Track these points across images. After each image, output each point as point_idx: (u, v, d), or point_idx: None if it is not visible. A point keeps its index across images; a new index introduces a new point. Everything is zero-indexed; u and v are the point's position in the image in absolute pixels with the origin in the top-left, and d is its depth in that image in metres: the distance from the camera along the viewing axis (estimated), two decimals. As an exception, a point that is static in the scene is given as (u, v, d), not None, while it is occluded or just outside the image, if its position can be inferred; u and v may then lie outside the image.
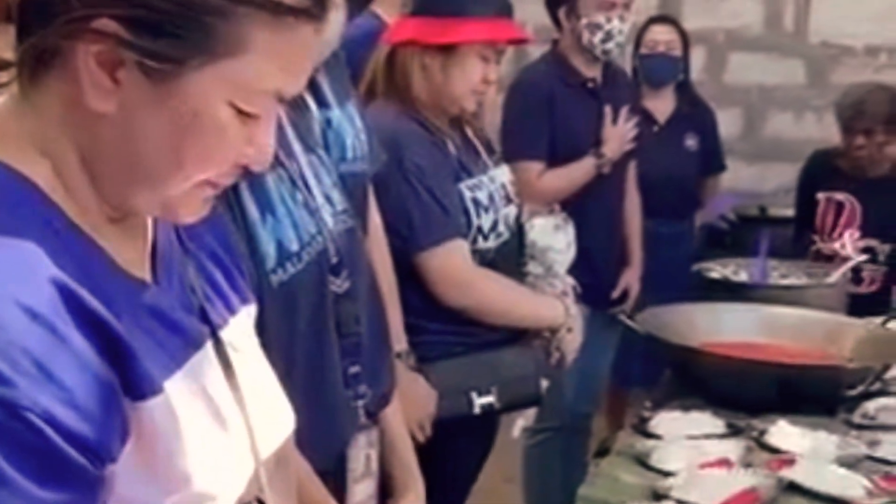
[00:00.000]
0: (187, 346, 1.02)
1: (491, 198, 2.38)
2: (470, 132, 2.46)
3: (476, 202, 2.35)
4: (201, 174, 0.96)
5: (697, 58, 4.47)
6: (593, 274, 3.26)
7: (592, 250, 3.26)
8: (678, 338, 2.32)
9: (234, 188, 1.39)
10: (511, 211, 2.44)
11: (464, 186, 2.34)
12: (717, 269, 3.06)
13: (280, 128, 1.54)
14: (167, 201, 0.98)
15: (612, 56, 3.37)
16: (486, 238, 2.36)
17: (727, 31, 4.70)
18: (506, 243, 2.41)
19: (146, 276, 1.02)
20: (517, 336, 2.42)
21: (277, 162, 1.48)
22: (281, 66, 0.95)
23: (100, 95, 0.92)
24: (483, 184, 2.39)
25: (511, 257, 2.45)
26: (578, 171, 3.30)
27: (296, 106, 1.65)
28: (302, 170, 1.54)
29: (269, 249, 1.42)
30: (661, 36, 3.95)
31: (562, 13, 3.35)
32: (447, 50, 2.30)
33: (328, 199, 1.58)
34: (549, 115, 3.30)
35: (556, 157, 3.30)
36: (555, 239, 2.51)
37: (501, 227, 2.39)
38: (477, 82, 2.33)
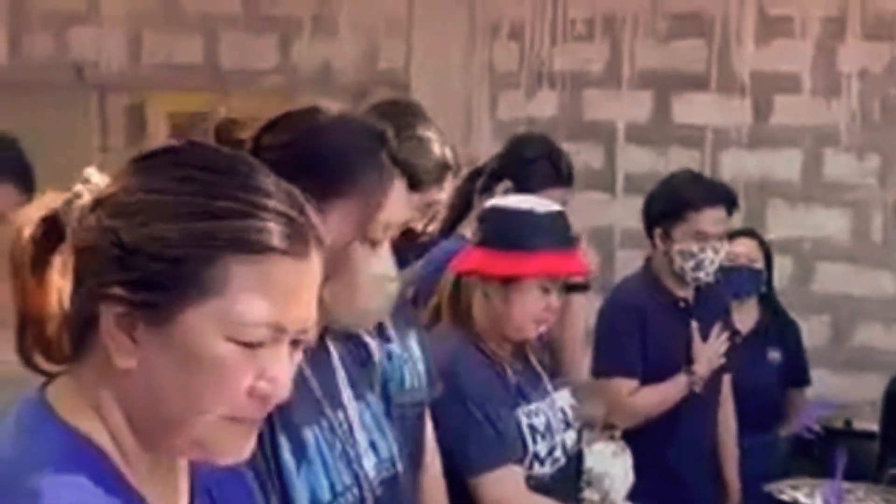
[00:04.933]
0: None
1: (548, 424, 2.44)
2: (533, 358, 2.54)
3: (533, 428, 2.41)
4: (217, 410, 1.06)
5: (784, 267, 4.50)
6: (685, 492, 3.25)
7: (682, 469, 3.25)
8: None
9: (273, 436, 1.48)
10: (569, 436, 2.49)
11: (521, 412, 2.41)
12: (788, 492, 3.04)
13: (332, 374, 1.65)
14: (199, 441, 1.08)
15: (701, 283, 3.38)
16: (542, 464, 2.41)
17: (814, 241, 4.73)
18: (562, 469, 2.45)
19: None
20: (570, 563, 2.44)
21: (320, 412, 1.57)
22: (270, 299, 1.06)
23: (123, 354, 1.06)
24: (541, 410, 2.45)
25: (568, 483, 2.49)
26: (671, 390, 3.28)
27: (352, 351, 1.75)
28: (348, 417, 1.62)
29: (303, 499, 1.50)
30: (742, 248, 4.00)
31: (657, 233, 3.38)
32: (509, 281, 2.41)
33: (373, 446, 1.64)
34: (641, 332, 3.32)
35: (648, 375, 3.30)
36: (612, 465, 2.55)
37: (558, 453, 2.44)
38: (538, 312, 2.42)
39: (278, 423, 1.46)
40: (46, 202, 1.12)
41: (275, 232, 1.06)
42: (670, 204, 3.37)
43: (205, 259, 1.05)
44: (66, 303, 1.10)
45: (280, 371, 1.08)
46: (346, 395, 1.66)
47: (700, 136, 4.78)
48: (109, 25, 5.30)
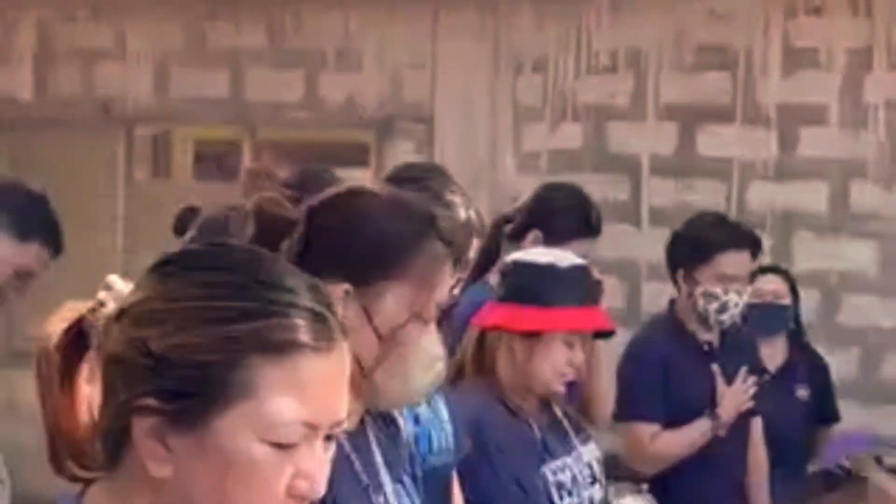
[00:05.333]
0: None
1: (574, 480, 2.43)
2: (558, 411, 2.53)
3: (559, 485, 2.40)
4: None
5: (811, 299, 4.48)
6: None
7: None
8: None
9: None
10: (596, 492, 2.48)
11: (547, 469, 2.40)
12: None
13: (371, 458, 1.65)
14: None
15: (725, 326, 3.35)
16: (569, 520, 2.40)
17: (841, 273, 4.71)
18: (589, 525, 2.45)
19: None
20: None
21: (367, 500, 1.58)
22: (300, 397, 1.05)
23: (157, 463, 1.05)
24: (567, 465, 2.44)
25: (594, 539, 2.48)
26: (693, 434, 3.25)
27: (388, 433, 1.75)
28: (388, 501, 1.63)
29: None
30: (769, 285, 3.98)
31: (679, 276, 3.35)
32: (533, 336, 2.40)
33: None
34: (664, 377, 3.30)
35: (672, 420, 3.28)
36: (639, 520, 2.54)
37: (585, 509, 2.43)
38: (562, 366, 2.42)
39: None
40: (70, 312, 1.13)
41: (300, 328, 1.06)
42: (693, 246, 3.34)
43: (231, 363, 1.04)
44: (95, 411, 1.11)
45: (315, 468, 1.07)
46: (385, 478, 1.67)
47: (726, 169, 4.78)
48: (135, 61, 5.35)
